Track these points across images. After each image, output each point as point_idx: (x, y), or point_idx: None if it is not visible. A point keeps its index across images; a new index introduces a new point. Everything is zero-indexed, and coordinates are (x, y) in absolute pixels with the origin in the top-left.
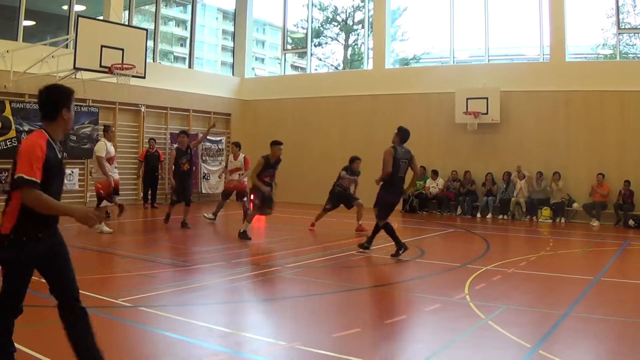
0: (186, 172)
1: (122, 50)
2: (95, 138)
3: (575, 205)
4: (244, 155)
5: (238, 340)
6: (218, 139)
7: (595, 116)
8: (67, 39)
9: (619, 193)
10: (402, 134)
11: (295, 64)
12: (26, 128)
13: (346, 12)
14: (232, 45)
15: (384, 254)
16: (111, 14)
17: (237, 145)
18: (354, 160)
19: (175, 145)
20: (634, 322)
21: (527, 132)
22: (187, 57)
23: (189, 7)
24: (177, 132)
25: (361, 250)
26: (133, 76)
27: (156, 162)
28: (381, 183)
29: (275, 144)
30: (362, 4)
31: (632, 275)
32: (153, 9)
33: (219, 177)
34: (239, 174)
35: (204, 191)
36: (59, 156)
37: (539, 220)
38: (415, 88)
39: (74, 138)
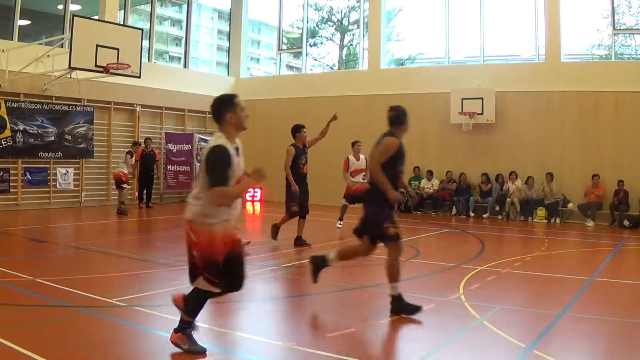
0: (305, 175)
1: (118, 49)
2: (90, 137)
3: (570, 205)
4: (364, 156)
5: (233, 340)
6: (212, 138)
7: (590, 117)
8: (63, 39)
9: (614, 193)
10: None
11: (291, 64)
12: (21, 127)
13: (341, 12)
14: (228, 45)
15: (377, 254)
16: (106, 14)
17: (358, 143)
18: None
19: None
20: (629, 322)
21: (522, 132)
22: (183, 56)
23: (185, 7)
24: (173, 132)
25: None
26: (128, 76)
27: (152, 162)
28: None
29: None
30: (357, 4)
31: (626, 275)
32: (148, 9)
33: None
34: (362, 176)
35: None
36: None
37: (534, 220)
38: (411, 88)
39: (69, 138)
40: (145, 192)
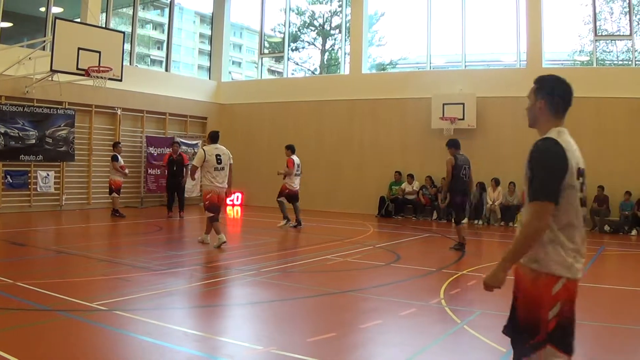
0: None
1: (99, 52)
2: (71, 140)
3: None
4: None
5: (214, 344)
6: (194, 142)
7: (571, 122)
8: (44, 41)
9: (594, 199)
10: None
11: (272, 68)
12: (2, 130)
13: (323, 16)
14: (209, 49)
15: (358, 259)
16: (88, 17)
17: None
18: None
19: None
20: (610, 326)
21: (503, 137)
22: (164, 60)
23: (167, 11)
24: (154, 135)
25: None
26: (110, 79)
27: (181, 167)
28: None
29: None
30: (339, 9)
31: (607, 280)
32: (130, 12)
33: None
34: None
35: None
36: None
37: (515, 225)
38: (392, 93)
39: (50, 141)
40: (177, 199)
